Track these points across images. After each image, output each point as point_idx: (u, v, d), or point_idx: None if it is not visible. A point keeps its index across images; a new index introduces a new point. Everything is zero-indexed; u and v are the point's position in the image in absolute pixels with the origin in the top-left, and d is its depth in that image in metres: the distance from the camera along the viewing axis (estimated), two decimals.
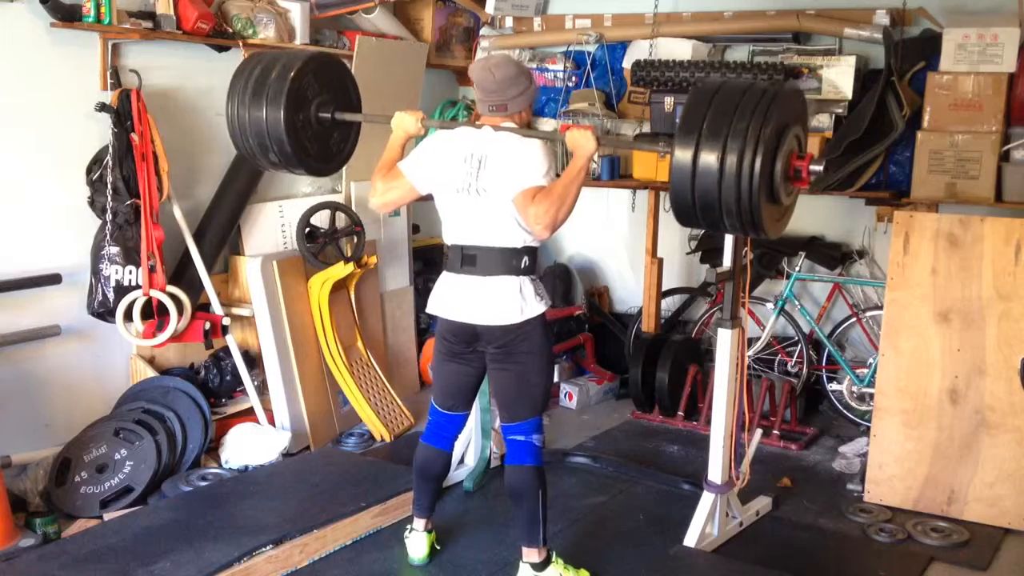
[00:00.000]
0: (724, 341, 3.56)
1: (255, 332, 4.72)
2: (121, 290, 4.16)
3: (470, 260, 3.09)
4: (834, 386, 5.14)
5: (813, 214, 5.22)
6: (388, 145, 3.30)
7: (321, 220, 4.94)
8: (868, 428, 4.35)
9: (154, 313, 4.23)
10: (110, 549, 3.45)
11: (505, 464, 3.24)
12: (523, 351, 3.10)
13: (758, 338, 5.24)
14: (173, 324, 4.23)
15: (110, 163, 4.09)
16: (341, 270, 4.82)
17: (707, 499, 3.61)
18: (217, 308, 4.54)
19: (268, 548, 3.43)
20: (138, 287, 4.17)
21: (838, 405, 5.14)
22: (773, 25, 5.17)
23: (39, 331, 4.04)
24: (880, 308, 4.67)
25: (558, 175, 3.00)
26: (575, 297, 5.91)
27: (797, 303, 5.19)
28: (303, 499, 3.94)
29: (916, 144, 4.56)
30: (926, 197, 4.52)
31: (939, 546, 3.70)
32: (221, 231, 4.67)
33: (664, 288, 5.48)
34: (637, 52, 5.53)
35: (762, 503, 3.98)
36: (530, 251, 3.08)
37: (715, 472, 3.60)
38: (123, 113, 4.12)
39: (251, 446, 4.39)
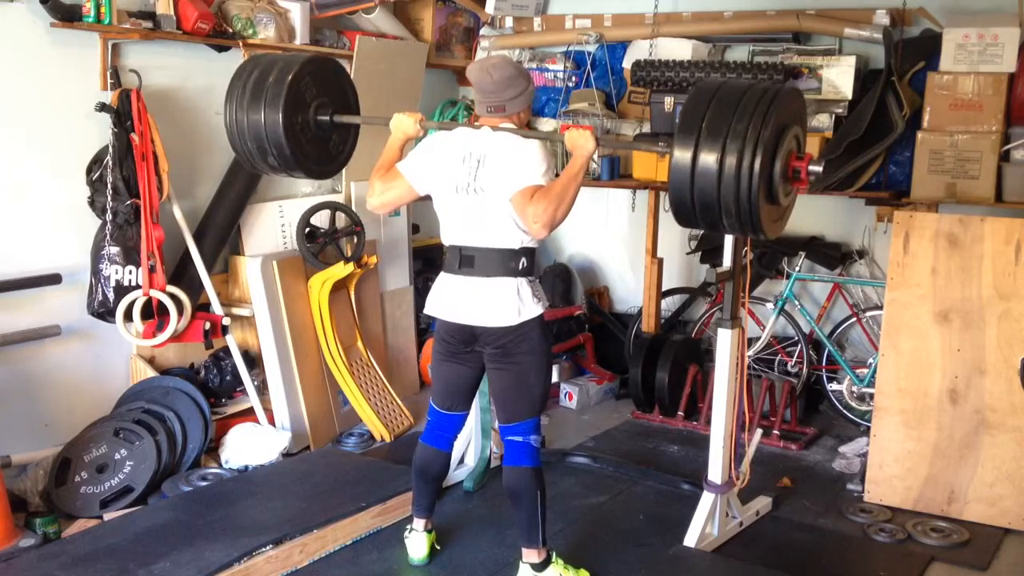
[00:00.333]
0: (724, 341, 3.56)
1: (255, 332, 4.72)
2: (121, 290, 4.16)
3: (468, 261, 3.09)
4: (834, 386, 5.14)
5: (813, 214, 5.22)
6: (387, 146, 3.30)
7: (321, 220, 4.94)
8: (868, 428, 4.35)
9: (154, 313, 4.23)
10: (110, 549, 3.45)
11: (503, 465, 3.24)
12: (521, 352, 3.10)
13: (758, 338, 5.24)
14: (173, 324, 4.23)
15: (110, 163, 4.09)
16: (341, 270, 4.82)
17: (707, 499, 3.61)
18: (217, 308, 4.54)
19: (268, 548, 3.43)
20: (138, 287, 4.17)
21: (838, 405, 5.14)
22: (773, 25, 5.17)
23: (39, 331, 4.04)
24: (880, 308, 4.67)
25: (557, 175, 3.00)
26: (575, 297, 5.91)
27: (797, 303, 5.19)
28: (303, 499, 3.94)
29: (916, 144, 4.56)
30: (926, 197, 4.52)
31: (939, 546, 3.70)
32: (221, 231, 4.68)
33: (664, 288, 5.48)
34: (637, 52, 5.53)
35: (762, 503, 3.98)
36: (528, 252, 3.08)
37: (715, 472, 3.60)
38: (123, 113, 4.12)
39: (251, 446, 4.39)
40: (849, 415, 5.07)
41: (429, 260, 5.83)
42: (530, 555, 3.20)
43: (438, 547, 3.51)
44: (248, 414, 4.64)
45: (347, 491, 3.97)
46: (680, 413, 5.10)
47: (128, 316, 4.16)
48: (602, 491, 4.17)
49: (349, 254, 4.96)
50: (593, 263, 6.25)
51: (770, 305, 5.23)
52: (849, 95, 4.87)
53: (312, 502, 3.88)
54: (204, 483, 4.07)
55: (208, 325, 4.41)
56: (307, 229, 4.82)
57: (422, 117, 3.32)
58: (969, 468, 3.90)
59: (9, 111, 3.94)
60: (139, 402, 4.27)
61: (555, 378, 5.34)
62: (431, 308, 3.23)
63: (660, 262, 5.33)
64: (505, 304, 3.05)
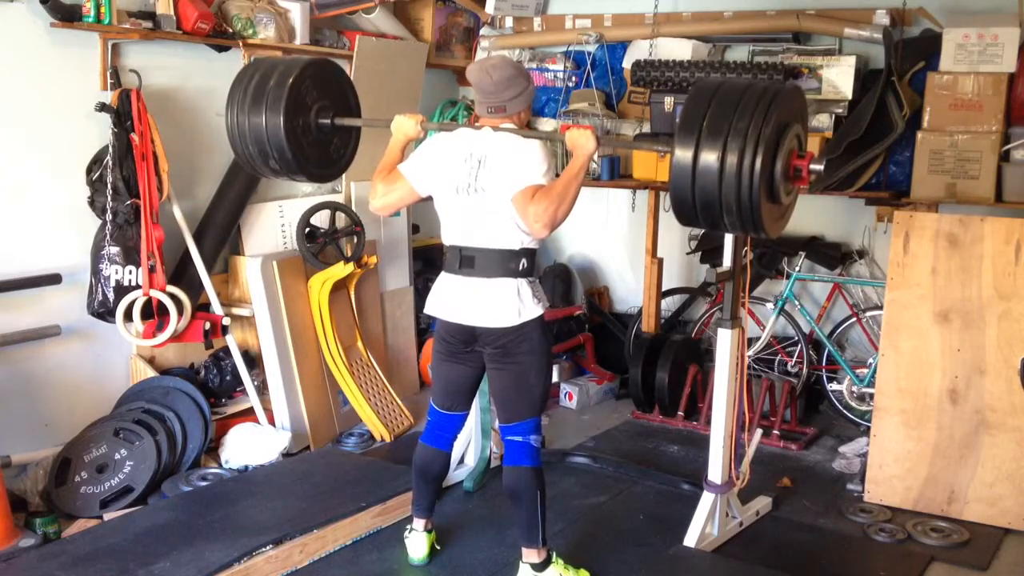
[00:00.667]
0: (724, 341, 3.56)
1: (255, 332, 4.72)
2: (121, 290, 4.16)
3: (468, 261, 3.09)
4: (834, 386, 5.14)
5: (813, 214, 5.22)
6: (388, 148, 3.31)
7: (321, 220, 4.94)
8: (868, 428, 4.35)
9: (154, 313, 4.23)
10: (110, 549, 3.45)
11: (503, 465, 3.24)
12: (521, 352, 3.09)
13: (758, 338, 5.24)
14: (173, 324, 4.23)
15: (110, 163, 4.09)
16: (341, 270, 4.82)
17: (707, 499, 3.60)
18: (217, 308, 4.54)
19: (268, 548, 3.43)
20: (138, 287, 4.17)
21: (838, 405, 5.14)
22: (773, 25, 5.17)
23: (39, 331, 4.04)
24: (880, 308, 4.67)
25: (558, 175, 3.00)
26: (575, 297, 5.91)
27: (797, 303, 5.19)
28: (303, 499, 3.94)
29: (916, 144, 4.56)
30: (926, 197, 4.52)
31: (939, 546, 3.70)
32: (221, 231, 4.67)
33: (664, 288, 5.48)
34: (637, 52, 5.53)
35: (762, 503, 3.98)
36: (528, 253, 3.08)
37: (715, 472, 3.60)
38: (123, 113, 4.12)
39: (251, 446, 4.39)
40: (849, 415, 5.07)
41: (429, 260, 5.83)
42: (530, 555, 3.20)
43: (438, 547, 3.50)
44: (248, 414, 4.64)
45: (347, 491, 3.97)
46: (680, 413, 5.10)
47: (128, 316, 4.16)
48: (602, 491, 4.17)
49: (349, 254, 4.96)
50: (593, 263, 6.25)
51: (770, 305, 5.23)
52: (849, 95, 4.87)
53: (312, 502, 3.88)
54: (204, 483, 4.07)
55: (208, 325, 4.40)
56: (307, 229, 4.82)
57: (423, 119, 3.33)
58: (969, 468, 3.90)
59: (9, 111, 3.94)
60: (139, 402, 4.27)
61: (555, 378, 5.34)
62: (431, 308, 3.23)
63: (660, 262, 5.33)
64: (505, 305, 3.05)
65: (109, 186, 4.09)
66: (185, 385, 4.36)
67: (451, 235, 3.16)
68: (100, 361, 4.37)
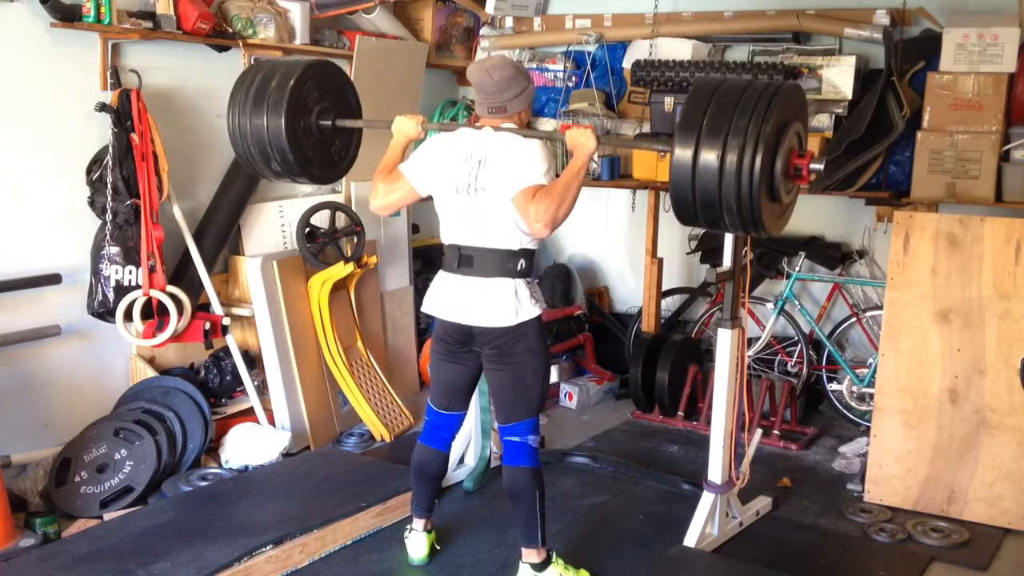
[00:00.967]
0: (724, 341, 3.56)
1: (255, 332, 4.72)
2: (121, 290, 4.16)
3: (467, 261, 3.09)
4: (834, 386, 5.14)
5: (813, 214, 5.22)
6: (389, 149, 3.31)
7: (321, 220, 4.94)
8: (868, 428, 4.35)
9: (154, 313, 4.23)
10: (110, 549, 3.45)
11: (502, 465, 3.24)
12: (518, 352, 3.09)
13: (758, 338, 5.24)
14: (173, 324, 4.23)
15: (110, 163, 4.09)
16: (341, 270, 4.82)
17: (707, 499, 3.60)
18: (217, 308, 4.54)
19: (268, 548, 3.43)
20: (138, 287, 4.17)
21: (838, 405, 5.13)
22: (773, 25, 5.17)
23: (39, 331, 4.04)
24: (880, 308, 4.67)
25: (558, 175, 3.00)
26: (575, 297, 5.91)
27: (797, 303, 5.19)
28: (303, 499, 3.94)
29: (916, 144, 4.56)
30: (926, 197, 4.52)
31: (939, 546, 3.70)
32: (221, 231, 4.68)
33: (664, 288, 5.48)
34: (637, 52, 5.53)
35: (762, 503, 3.98)
36: (527, 254, 3.08)
37: (715, 472, 3.60)
38: (123, 113, 4.12)
39: (251, 446, 4.39)
40: (849, 415, 5.07)
41: (429, 260, 5.83)
42: (530, 555, 3.20)
43: (438, 547, 3.50)
44: (248, 414, 4.64)
45: (347, 491, 3.97)
46: (680, 413, 5.10)
47: (128, 316, 4.16)
48: (602, 491, 4.16)
49: (349, 254, 4.97)
50: (593, 263, 6.25)
51: (770, 305, 5.23)
52: (849, 95, 4.87)
53: (312, 502, 3.88)
54: (204, 483, 4.07)
55: (208, 325, 4.41)
56: (307, 229, 4.82)
57: (423, 119, 3.33)
58: (969, 468, 3.90)
59: (9, 111, 3.94)
60: (139, 402, 4.27)
61: (555, 378, 5.35)
62: (429, 306, 3.23)
63: (660, 262, 5.34)
64: (503, 304, 3.05)
65: (109, 186, 4.09)
66: (185, 385, 4.36)
67: (450, 234, 3.16)
68: (100, 361, 4.37)
